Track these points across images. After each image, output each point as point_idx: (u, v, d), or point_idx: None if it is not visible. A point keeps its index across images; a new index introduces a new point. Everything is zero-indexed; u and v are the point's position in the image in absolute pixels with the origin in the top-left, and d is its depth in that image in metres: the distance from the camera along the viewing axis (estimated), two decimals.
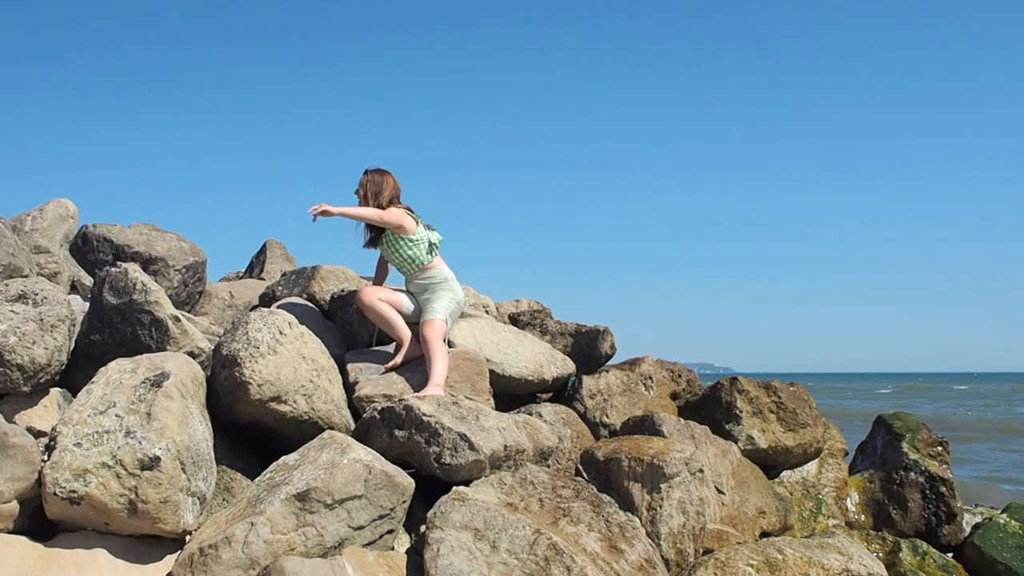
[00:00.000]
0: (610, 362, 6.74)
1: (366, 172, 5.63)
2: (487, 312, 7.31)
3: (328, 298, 6.27)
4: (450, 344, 5.61)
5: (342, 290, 6.23)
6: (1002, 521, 6.02)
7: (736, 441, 5.95)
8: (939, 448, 6.45)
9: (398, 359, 5.33)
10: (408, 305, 5.58)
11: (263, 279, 8.28)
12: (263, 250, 8.98)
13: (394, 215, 5.51)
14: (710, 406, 6.24)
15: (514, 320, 7.16)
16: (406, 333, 5.43)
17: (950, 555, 5.92)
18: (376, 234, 5.75)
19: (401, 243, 5.60)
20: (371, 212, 5.48)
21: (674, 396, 6.64)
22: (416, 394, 4.94)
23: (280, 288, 6.54)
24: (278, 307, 5.70)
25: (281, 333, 4.77)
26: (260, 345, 4.60)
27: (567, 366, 6.30)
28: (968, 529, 6.17)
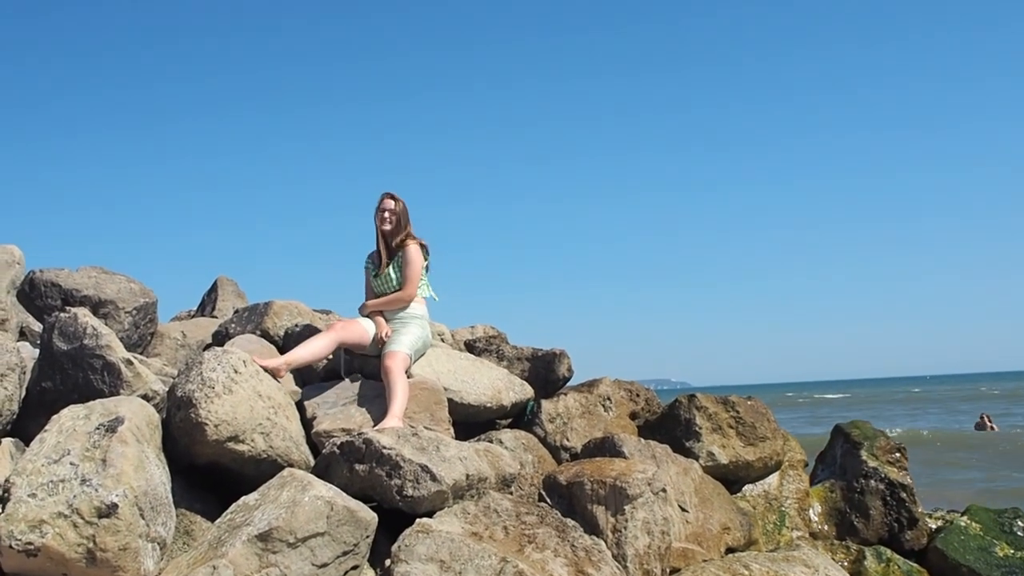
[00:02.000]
0: (568, 385, 6.76)
1: (393, 197, 5.90)
2: (442, 340, 7.31)
3: (282, 333, 6.25)
4: (408, 375, 5.62)
5: (296, 325, 6.22)
6: (963, 524, 6.13)
7: (697, 458, 5.99)
8: (897, 454, 6.55)
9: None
10: (369, 334, 5.71)
11: (215, 317, 8.24)
12: (214, 288, 8.94)
13: (414, 286, 5.83)
14: (670, 424, 6.28)
15: (470, 347, 7.16)
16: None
17: (914, 561, 6.00)
18: (386, 261, 5.93)
19: (399, 272, 5.88)
20: (397, 298, 5.82)
21: (633, 416, 6.68)
22: (375, 427, 4.97)
23: (233, 325, 6.51)
24: (231, 344, 5.68)
25: (236, 372, 4.75)
26: (215, 385, 4.57)
27: (525, 391, 6.32)
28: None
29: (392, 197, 5.94)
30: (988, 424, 21.75)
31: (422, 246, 5.90)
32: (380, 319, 5.79)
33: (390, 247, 5.92)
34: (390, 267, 5.89)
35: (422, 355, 5.88)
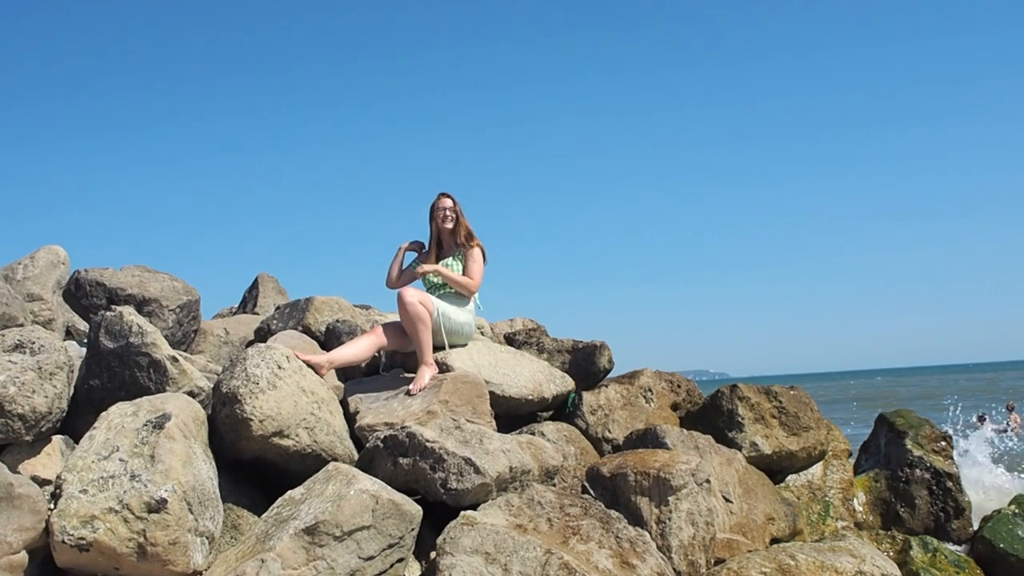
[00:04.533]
0: (608, 376, 6.74)
1: (449, 196, 6.17)
2: (482, 334, 7.31)
3: (324, 329, 6.28)
4: (447, 368, 5.66)
5: (337, 320, 6.25)
6: (1011, 513, 6.03)
7: (740, 449, 5.95)
8: (942, 443, 6.47)
9: (423, 382, 5.46)
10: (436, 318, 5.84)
11: (257, 313, 8.28)
12: (255, 284, 8.99)
13: (478, 280, 6.07)
14: (712, 415, 6.25)
15: (510, 340, 7.17)
16: (429, 348, 5.65)
17: (961, 550, 5.93)
18: (435, 255, 6.23)
19: (460, 267, 6.11)
20: (464, 283, 6.03)
21: (675, 407, 6.65)
22: (413, 386, 5.39)
23: (275, 322, 6.55)
24: (273, 340, 5.71)
25: (279, 367, 4.78)
26: (259, 381, 4.60)
27: (566, 383, 6.31)
28: (976, 523, 6.18)
29: (448, 196, 6.17)
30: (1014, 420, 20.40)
31: (482, 249, 6.12)
32: (427, 267, 6.04)
33: (444, 244, 6.19)
34: (448, 262, 6.11)
35: (463, 344, 6.02)
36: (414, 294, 5.61)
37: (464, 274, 6.05)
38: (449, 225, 6.13)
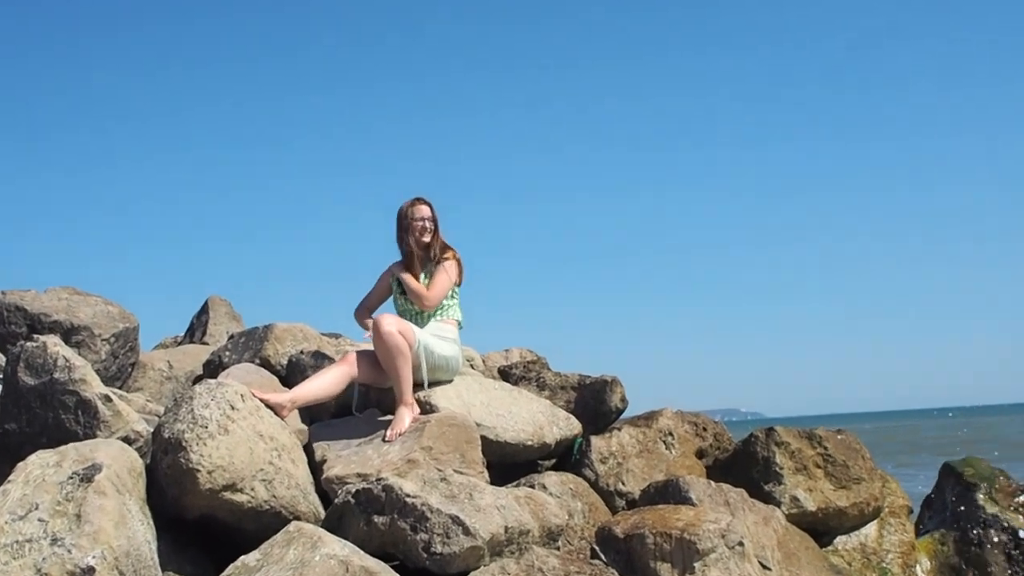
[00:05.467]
0: (622, 418, 6.73)
1: (428, 203, 6.10)
2: (472, 367, 7.29)
3: (285, 362, 6.26)
4: (431, 408, 5.63)
5: (301, 351, 6.22)
6: None
7: (779, 505, 5.93)
8: (1022, 498, 6.43)
9: (403, 425, 5.42)
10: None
11: (206, 343, 8.28)
12: (204, 309, 8.99)
13: (438, 292, 6.00)
14: (744, 464, 6.22)
15: (505, 375, 7.15)
16: (409, 385, 5.60)
17: None
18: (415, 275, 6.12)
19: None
20: (417, 292, 5.98)
21: (700, 454, 6.62)
22: (391, 431, 5.33)
23: (227, 353, 6.54)
24: (225, 375, 5.68)
25: (232, 408, 4.74)
26: (208, 424, 4.56)
27: (571, 426, 6.28)
28: None
29: (426, 203, 6.10)
30: None
31: (458, 261, 6.08)
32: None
33: (418, 261, 6.07)
34: (428, 271, 6.05)
35: (448, 380, 5.98)
36: (392, 322, 5.55)
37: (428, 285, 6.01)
38: (427, 239, 6.05)
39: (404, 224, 6.07)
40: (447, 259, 6.01)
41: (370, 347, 5.78)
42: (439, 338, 5.90)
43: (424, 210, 6.04)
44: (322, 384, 5.54)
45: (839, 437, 6.31)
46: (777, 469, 6.07)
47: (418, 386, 5.77)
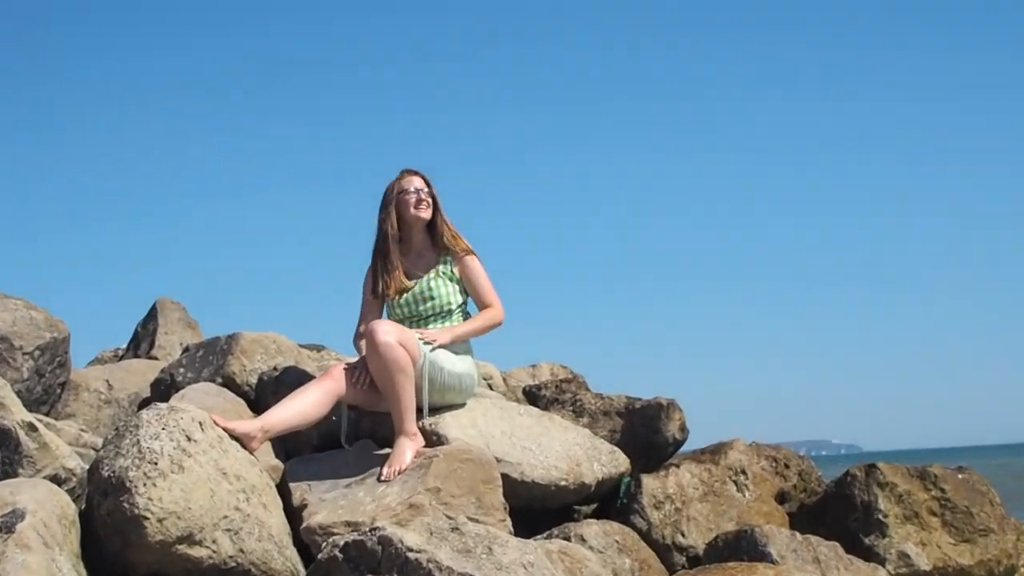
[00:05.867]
0: (680, 452, 6.72)
1: (420, 175, 6.16)
2: (490, 387, 7.28)
3: (254, 381, 6.26)
4: (439, 439, 5.63)
5: (274, 368, 6.21)
6: None
7: (883, 562, 5.91)
8: None
9: (403, 461, 5.42)
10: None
11: (155, 358, 8.29)
12: (152, 315, 8.99)
13: (497, 298, 6.18)
14: (838, 510, 6.21)
15: (532, 396, 7.15)
16: (411, 410, 5.60)
17: None
18: (403, 269, 6.13)
19: (453, 284, 6.13)
20: (492, 319, 6.14)
21: (781, 498, 6.61)
22: (388, 468, 5.34)
23: (182, 370, 6.54)
24: (179, 398, 5.68)
25: (189, 439, 4.74)
26: (158, 459, 4.56)
27: (616, 462, 6.27)
28: None
29: (417, 173, 6.14)
30: None
31: (474, 253, 6.16)
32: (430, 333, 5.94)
33: (413, 250, 6.12)
34: (432, 278, 6.06)
35: (461, 403, 6.01)
36: (390, 329, 5.53)
37: (477, 297, 6.09)
38: (425, 214, 6.08)
39: (389, 200, 6.12)
40: (469, 253, 6.10)
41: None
42: (449, 351, 5.89)
43: (415, 181, 6.10)
44: (301, 407, 5.51)
45: (960, 477, 6.28)
46: (881, 517, 6.04)
47: (423, 411, 5.76)
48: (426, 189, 6.07)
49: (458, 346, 5.97)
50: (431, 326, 5.99)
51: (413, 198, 6.03)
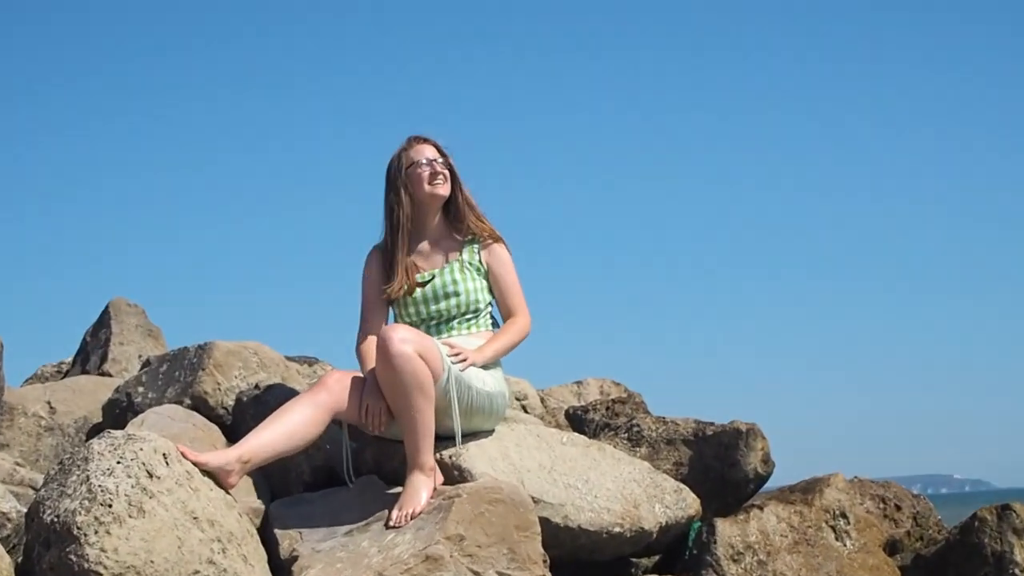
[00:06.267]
0: (763, 490, 6.76)
1: (432, 143, 6.14)
2: (525, 408, 7.28)
3: (231, 403, 6.26)
4: (462, 474, 5.64)
5: (255, 386, 6.22)
6: None
7: None
8: None
9: (418, 501, 5.41)
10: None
11: (108, 374, 8.28)
12: (104, 321, 8.99)
13: (524, 302, 6.21)
14: (964, 562, 6.20)
15: (576, 421, 7.18)
16: (430, 439, 5.57)
17: None
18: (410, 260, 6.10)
19: (480, 278, 6.14)
20: (520, 331, 6.13)
21: (892, 547, 6.62)
22: (399, 511, 5.33)
23: (141, 389, 6.54)
24: (138, 424, 5.71)
25: (151, 476, 4.74)
26: (113, 501, 4.56)
27: (684, 502, 6.27)
28: None
29: (429, 142, 6.11)
30: None
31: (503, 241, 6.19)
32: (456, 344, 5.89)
33: (427, 235, 6.12)
34: (456, 269, 6.05)
35: (489, 430, 6.02)
36: (407, 336, 5.45)
37: (502, 299, 6.10)
38: (443, 190, 6.05)
39: (395, 176, 6.09)
40: (497, 239, 6.11)
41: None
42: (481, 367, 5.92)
43: (427, 150, 6.06)
44: (287, 429, 5.45)
45: None
46: (1017, 572, 6.03)
47: (445, 436, 5.76)
48: (441, 159, 6.05)
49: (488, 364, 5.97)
50: (454, 332, 5.99)
51: (426, 171, 5.99)
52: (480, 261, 6.07)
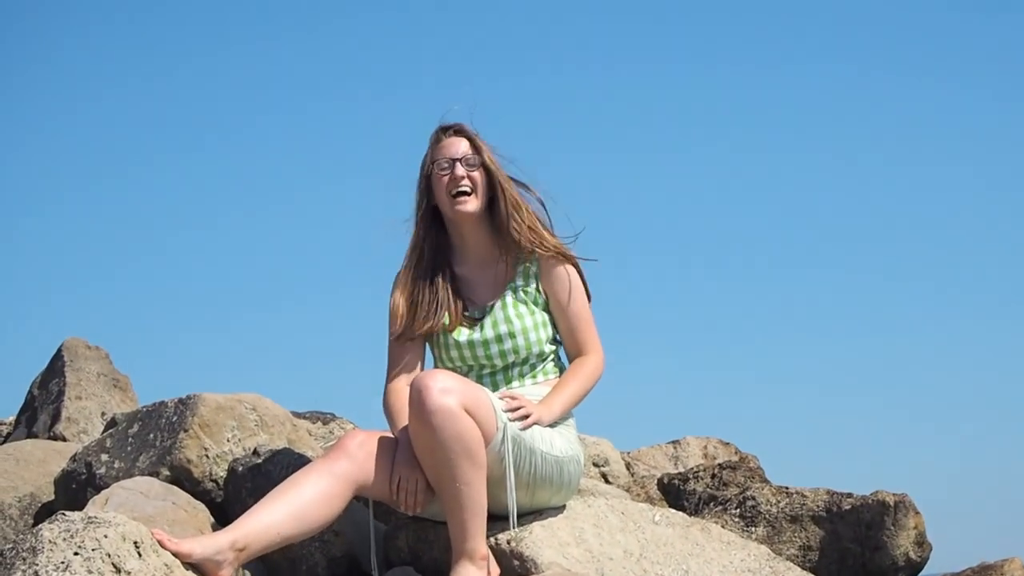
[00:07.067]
0: None
1: (465, 133, 6.02)
2: (606, 477, 7.23)
3: (223, 473, 6.23)
4: (528, 567, 5.56)
5: (254, 451, 6.20)
6: None
7: None
8: None
9: None
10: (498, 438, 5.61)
11: (60, 436, 8.29)
12: (57, 368, 8.99)
13: (597, 339, 6.12)
14: None
15: (675, 493, 7.13)
16: (481, 519, 5.47)
17: None
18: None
19: (540, 311, 6.06)
20: (591, 375, 6.00)
21: None
22: None
23: (105, 457, 6.53)
24: (102, 503, 5.68)
25: (119, 571, 4.71)
26: None
27: None
28: None
29: (461, 132, 6.00)
30: None
31: (575, 261, 6.05)
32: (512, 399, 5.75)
33: (469, 255, 6.05)
34: (509, 304, 5.96)
35: (559, 506, 5.96)
36: (451, 387, 5.33)
37: (568, 332, 5.97)
38: (470, 207, 5.91)
39: (423, 183, 6.02)
40: (559, 256, 5.94)
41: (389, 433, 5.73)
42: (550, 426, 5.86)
43: (458, 145, 5.94)
44: (295, 510, 5.38)
45: None
46: None
47: (499, 518, 5.70)
48: (472, 156, 5.93)
49: (559, 420, 5.90)
50: (514, 384, 5.93)
51: (446, 178, 5.89)
52: (538, 288, 5.97)
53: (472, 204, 5.87)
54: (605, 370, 5.96)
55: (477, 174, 5.88)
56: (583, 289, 5.97)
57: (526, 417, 5.56)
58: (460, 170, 5.85)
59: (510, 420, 5.50)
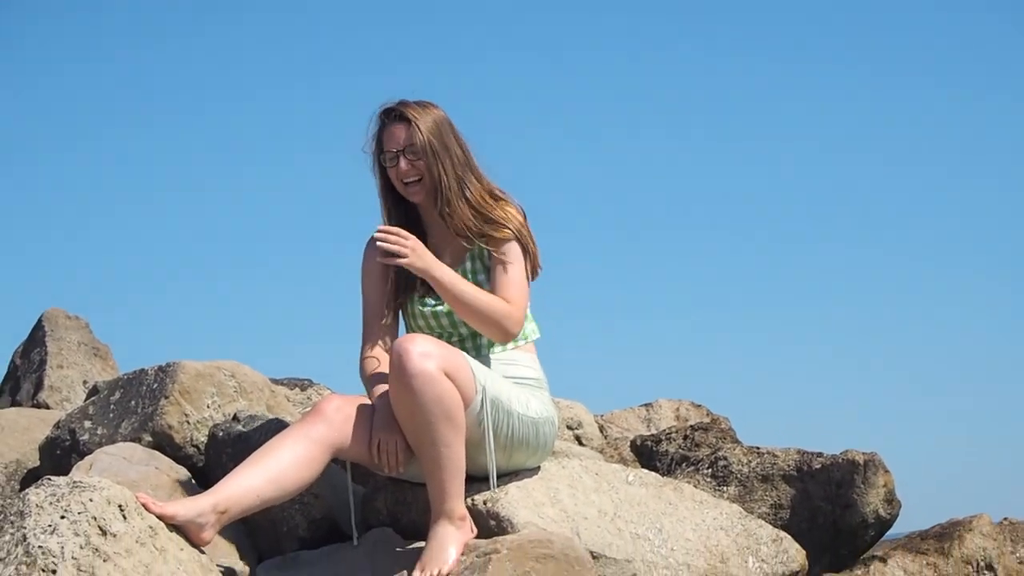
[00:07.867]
0: (886, 537, 6.78)
1: (405, 115, 5.82)
2: (580, 440, 7.27)
3: (203, 439, 6.25)
4: (501, 524, 5.59)
5: (234, 416, 6.21)
6: None
7: None
8: None
9: (444, 559, 5.35)
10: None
11: (44, 404, 8.28)
12: (38, 338, 8.98)
13: (524, 299, 5.91)
14: None
15: (648, 454, 7.15)
16: (460, 480, 5.50)
17: None
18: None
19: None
20: (506, 314, 5.75)
21: None
22: (422, 572, 5.29)
23: (88, 424, 6.53)
24: (86, 468, 5.73)
25: (104, 533, 4.74)
26: (58, 566, 4.57)
27: (785, 555, 6.25)
28: None
29: (401, 114, 5.85)
30: None
31: (524, 229, 5.93)
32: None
33: (429, 232, 6.00)
34: (468, 270, 5.93)
35: (534, 467, 5.98)
36: (430, 351, 5.35)
37: (493, 290, 5.80)
38: (417, 198, 5.88)
39: (374, 164, 5.97)
40: (506, 231, 5.80)
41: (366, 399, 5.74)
42: (517, 382, 5.89)
43: (399, 134, 5.82)
44: (275, 473, 5.38)
45: None
46: None
47: (478, 475, 5.75)
48: (413, 144, 5.78)
49: (527, 375, 5.94)
50: (483, 351, 5.92)
51: (393, 171, 5.83)
52: (487, 256, 5.90)
53: (422, 191, 5.84)
54: (512, 330, 5.73)
55: (422, 161, 5.77)
56: (522, 257, 5.83)
57: (397, 256, 5.49)
58: (404, 163, 5.77)
59: (381, 249, 5.52)
